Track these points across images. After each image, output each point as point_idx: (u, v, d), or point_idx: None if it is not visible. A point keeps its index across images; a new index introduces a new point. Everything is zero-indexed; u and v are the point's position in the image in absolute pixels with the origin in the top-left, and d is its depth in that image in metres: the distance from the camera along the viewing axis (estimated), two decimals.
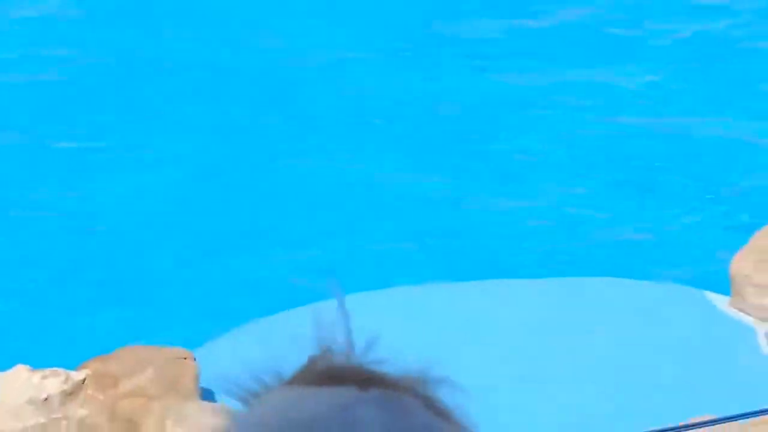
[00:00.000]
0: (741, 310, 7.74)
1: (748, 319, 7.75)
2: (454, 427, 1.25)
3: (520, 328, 7.88)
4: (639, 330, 7.68)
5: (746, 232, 8.27)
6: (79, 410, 7.39)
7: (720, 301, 8.02)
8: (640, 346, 7.55)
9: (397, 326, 6.97)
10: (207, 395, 7.50)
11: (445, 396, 1.26)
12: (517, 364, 7.60)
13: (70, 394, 7.41)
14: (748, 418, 6.13)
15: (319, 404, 1.24)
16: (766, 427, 6.35)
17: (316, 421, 1.23)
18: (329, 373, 1.25)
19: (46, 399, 7.35)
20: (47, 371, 7.49)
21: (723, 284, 8.10)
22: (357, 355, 1.27)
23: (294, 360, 1.27)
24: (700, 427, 5.97)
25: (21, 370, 7.46)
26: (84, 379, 7.43)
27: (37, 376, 7.44)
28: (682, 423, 6.15)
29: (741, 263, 7.68)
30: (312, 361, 1.26)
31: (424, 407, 1.25)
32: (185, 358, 7.60)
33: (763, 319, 7.61)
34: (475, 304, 8.11)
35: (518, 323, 7.91)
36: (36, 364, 7.63)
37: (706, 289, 8.31)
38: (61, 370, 7.51)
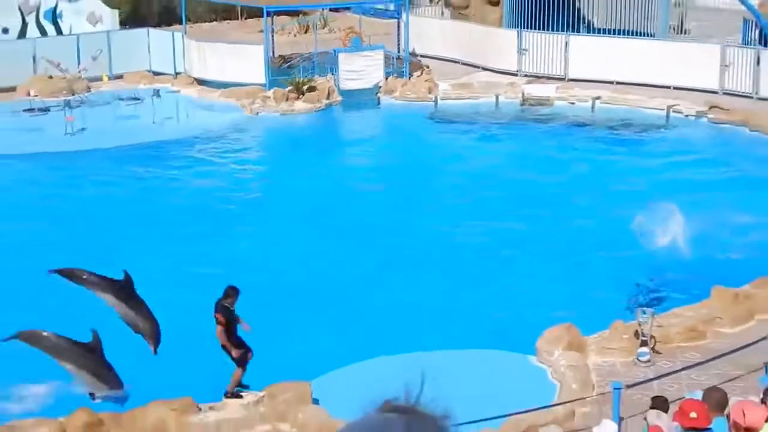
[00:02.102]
0: (542, 362, 15.91)
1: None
2: None
3: None
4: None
5: None
6: None
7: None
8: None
9: None
10: None
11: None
12: None
13: None
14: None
15: (378, 420, 2.71)
16: None
17: (372, 427, 2.72)
18: (392, 407, 2.76)
19: None
20: None
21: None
22: (409, 400, 2.71)
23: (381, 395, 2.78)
24: None
25: None
26: None
27: None
28: None
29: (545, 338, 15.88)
30: (387, 401, 2.75)
31: (436, 428, 2.71)
32: None
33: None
34: None
35: None
36: None
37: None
38: None
